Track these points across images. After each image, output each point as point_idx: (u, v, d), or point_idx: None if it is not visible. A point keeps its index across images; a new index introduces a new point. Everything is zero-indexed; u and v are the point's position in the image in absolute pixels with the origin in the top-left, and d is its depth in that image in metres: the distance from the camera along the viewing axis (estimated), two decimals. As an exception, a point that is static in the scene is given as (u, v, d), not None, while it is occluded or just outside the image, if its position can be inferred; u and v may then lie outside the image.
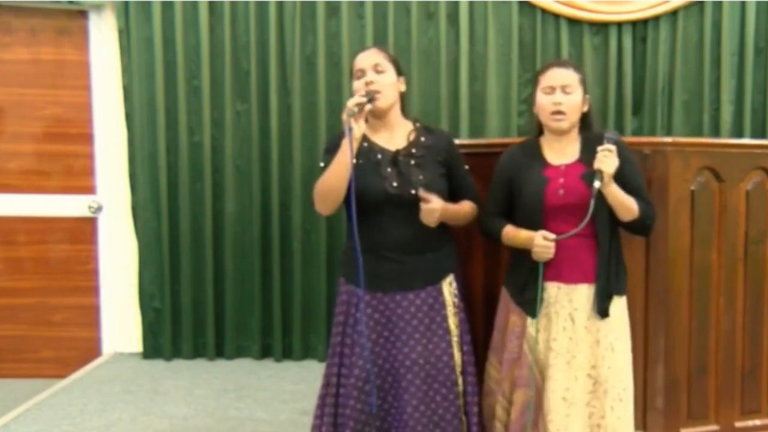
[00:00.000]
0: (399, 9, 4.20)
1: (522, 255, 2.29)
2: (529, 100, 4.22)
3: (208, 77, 4.18)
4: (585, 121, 2.35)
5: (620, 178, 2.22)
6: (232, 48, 4.20)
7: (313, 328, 4.31)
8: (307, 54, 4.21)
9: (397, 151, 2.32)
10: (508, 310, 2.38)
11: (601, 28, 4.24)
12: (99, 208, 4.33)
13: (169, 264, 4.23)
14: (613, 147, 2.19)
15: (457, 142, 2.50)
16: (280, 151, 4.22)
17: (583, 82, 2.32)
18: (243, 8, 4.20)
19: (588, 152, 2.26)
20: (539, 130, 2.39)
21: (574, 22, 4.22)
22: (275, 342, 4.29)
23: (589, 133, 2.35)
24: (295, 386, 3.87)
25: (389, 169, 2.29)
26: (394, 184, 2.27)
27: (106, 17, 4.24)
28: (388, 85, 2.31)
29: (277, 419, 3.41)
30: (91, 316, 4.36)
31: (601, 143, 2.21)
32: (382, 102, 2.29)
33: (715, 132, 4.22)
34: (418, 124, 2.41)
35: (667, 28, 4.21)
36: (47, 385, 3.88)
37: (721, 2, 4.17)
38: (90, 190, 4.34)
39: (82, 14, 4.26)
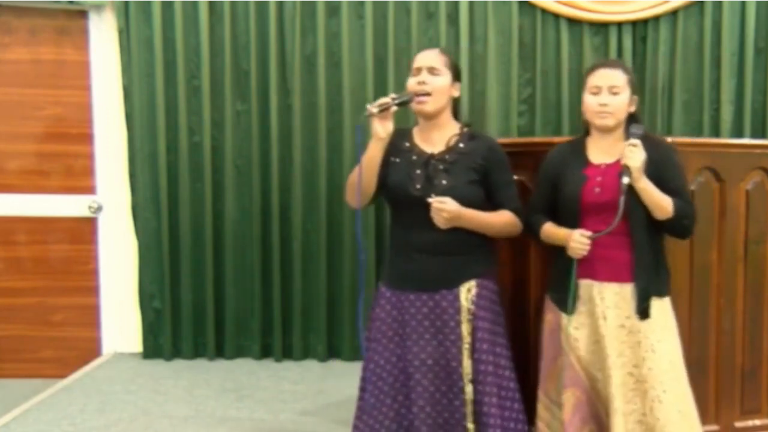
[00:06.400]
0: (399, 9, 4.20)
1: (558, 253, 2.32)
2: (530, 101, 4.25)
3: (208, 77, 4.18)
4: (632, 121, 2.33)
5: (659, 177, 2.21)
6: (232, 48, 4.19)
7: (313, 328, 4.31)
8: (307, 54, 4.21)
9: (432, 155, 2.33)
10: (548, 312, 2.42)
11: (601, 28, 4.23)
12: (99, 208, 4.33)
13: (169, 264, 4.23)
14: (637, 141, 2.19)
15: None
16: (280, 151, 4.22)
17: (631, 83, 2.31)
18: (243, 8, 4.19)
19: None
20: (587, 129, 2.39)
21: (574, 22, 4.22)
22: (275, 342, 4.29)
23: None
24: (295, 386, 3.87)
25: (418, 171, 2.31)
26: (418, 186, 2.29)
27: (106, 17, 4.24)
28: (438, 88, 2.32)
29: (277, 419, 3.41)
30: (91, 316, 4.36)
31: (645, 142, 2.20)
32: (429, 106, 2.32)
33: (715, 132, 4.22)
34: (465, 130, 2.39)
35: (667, 28, 4.21)
36: (47, 385, 3.87)
37: (721, 2, 4.17)
38: (90, 190, 4.33)
39: (82, 14, 4.25)
